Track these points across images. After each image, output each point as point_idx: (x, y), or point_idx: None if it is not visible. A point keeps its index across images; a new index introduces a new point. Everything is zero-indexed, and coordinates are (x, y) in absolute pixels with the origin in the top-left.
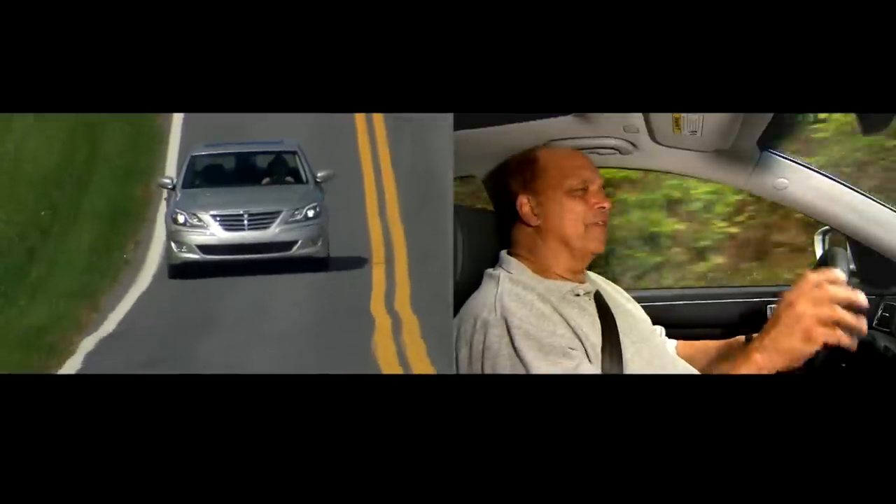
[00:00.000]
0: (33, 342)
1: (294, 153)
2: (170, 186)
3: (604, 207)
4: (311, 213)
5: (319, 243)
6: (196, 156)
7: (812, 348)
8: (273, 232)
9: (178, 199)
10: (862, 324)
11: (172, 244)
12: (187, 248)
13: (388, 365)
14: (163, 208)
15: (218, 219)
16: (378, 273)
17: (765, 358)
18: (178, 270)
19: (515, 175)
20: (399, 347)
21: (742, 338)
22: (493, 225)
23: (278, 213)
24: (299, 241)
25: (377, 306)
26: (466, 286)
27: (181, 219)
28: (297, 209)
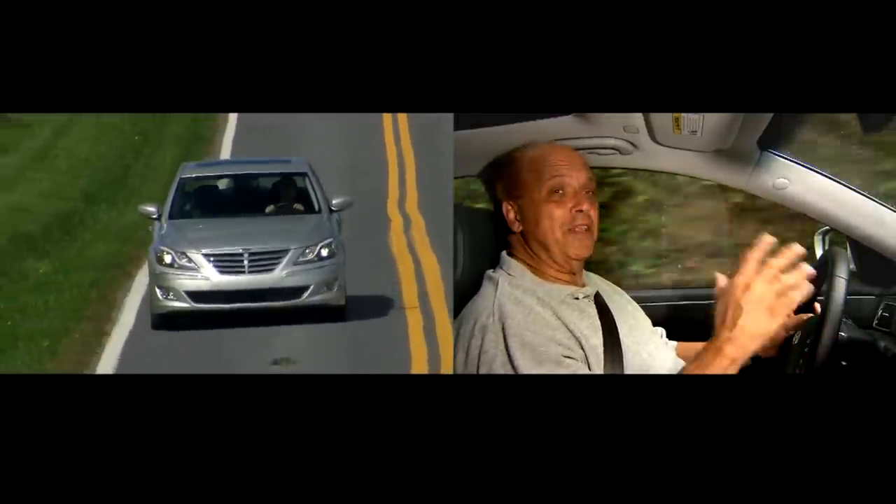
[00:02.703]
0: (129, 236)
1: (304, 175)
2: (154, 216)
3: (581, 211)
4: (324, 252)
5: (335, 288)
6: (186, 178)
7: (778, 322)
8: (279, 275)
9: (163, 232)
10: (808, 271)
11: (157, 290)
12: (175, 294)
13: (402, 254)
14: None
15: (212, 259)
16: (393, 181)
17: (737, 348)
18: (164, 321)
19: (497, 181)
20: (410, 243)
21: None
22: (493, 225)
23: (285, 252)
24: (311, 287)
25: (392, 208)
26: (466, 286)
27: (168, 259)
28: (307, 247)
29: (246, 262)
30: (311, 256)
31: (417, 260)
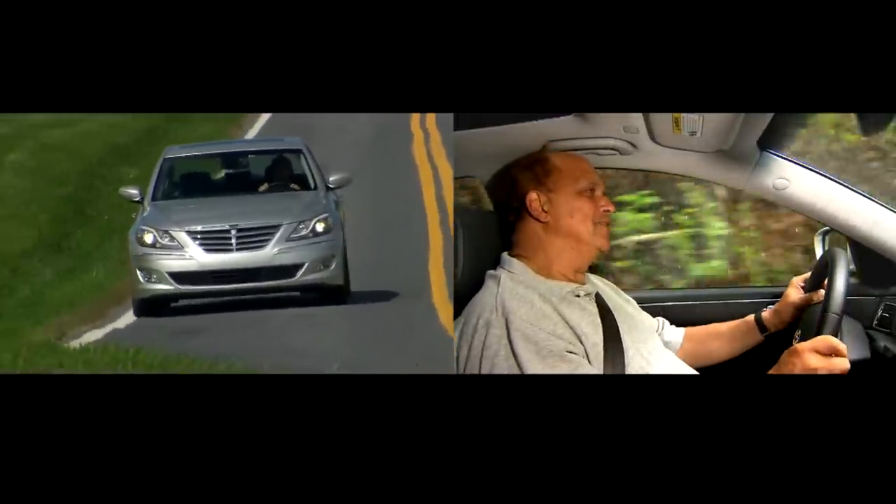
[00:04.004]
0: None
1: (298, 152)
2: (137, 199)
3: (609, 210)
4: (319, 228)
5: (332, 266)
6: (171, 158)
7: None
8: (269, 253)
9: (145, 214)
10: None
11: (138, 272)
12: (157, 276)
13: (422, 163)
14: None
15: (197, 237)
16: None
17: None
18: (147, 306)
19: (525, 172)
20: (429, 153)
21: (751, 317)
22: (493, 225)
23: (276, 227)
24: (305, 265)
25: (415, 125)
26: (467, 287)
27: (149, 239)
28: (301, 222)
29: (234, 240)
30: (304, 232)
31: (434, 167)
